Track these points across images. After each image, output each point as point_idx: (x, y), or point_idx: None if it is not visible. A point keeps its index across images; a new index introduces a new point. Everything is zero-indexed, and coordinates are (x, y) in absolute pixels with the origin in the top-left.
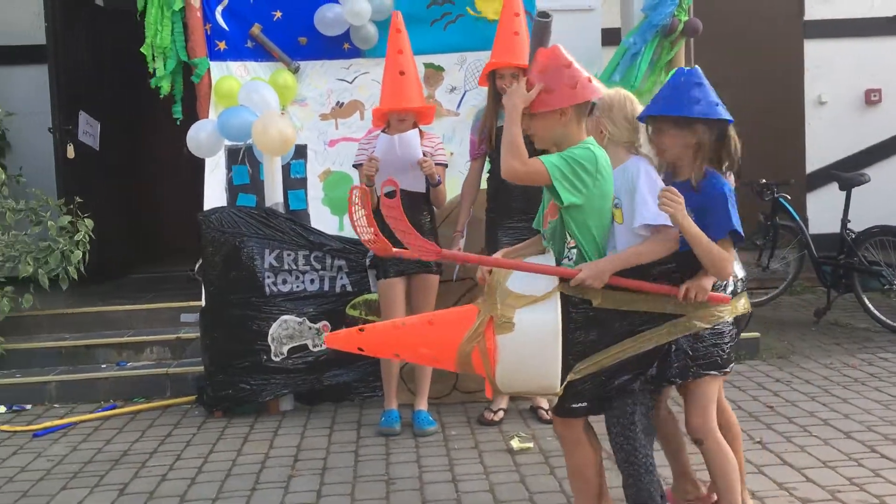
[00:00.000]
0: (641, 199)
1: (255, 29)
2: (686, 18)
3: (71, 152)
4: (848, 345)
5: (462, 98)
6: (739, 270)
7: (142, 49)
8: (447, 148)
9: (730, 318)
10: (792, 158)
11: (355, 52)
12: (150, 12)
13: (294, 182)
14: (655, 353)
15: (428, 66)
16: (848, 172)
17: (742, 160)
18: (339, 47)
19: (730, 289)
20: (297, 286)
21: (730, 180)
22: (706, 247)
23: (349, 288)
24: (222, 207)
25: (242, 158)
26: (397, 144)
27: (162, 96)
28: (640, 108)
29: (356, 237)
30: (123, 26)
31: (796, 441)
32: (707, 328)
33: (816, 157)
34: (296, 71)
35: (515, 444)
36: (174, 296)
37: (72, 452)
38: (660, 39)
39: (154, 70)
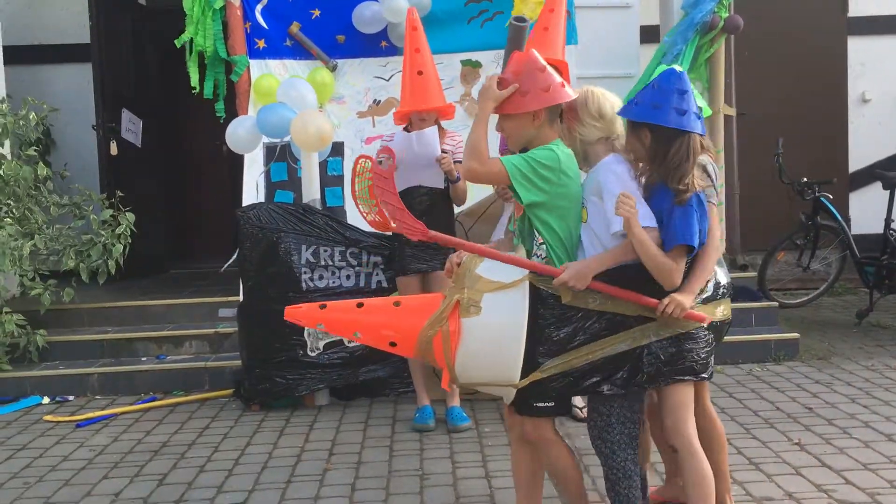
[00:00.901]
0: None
1: (294, 27)
2: (727, 15)
3: (114, 149)
4: (891, 347)
5: None
6: (723, 276)
7: (176, 41)
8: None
9: (705, 324)
10: (834, 157)
11: (392, 50)
12: (191, 10)
13: (331, 179)
14: (627, 355)
15: (465, 62)
16: (891, 171)
17: (784, 158)
18: (377, 45)
19: (705, 295)
20: (334, 282)
21: (707, 190)
22: (651, 254)
23: (385, 284)
24: (260, 203)
25: (280, 155)
26: (415, 141)
27: (205, 97)
28: (611, 102)
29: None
30: (165, 25)
31: (836, 443)
32: (681, 332)
33: (859, 155)
34: (333, 69)
35: None
36: (212, 291)
37: (113, 443)
38: (700, 36)
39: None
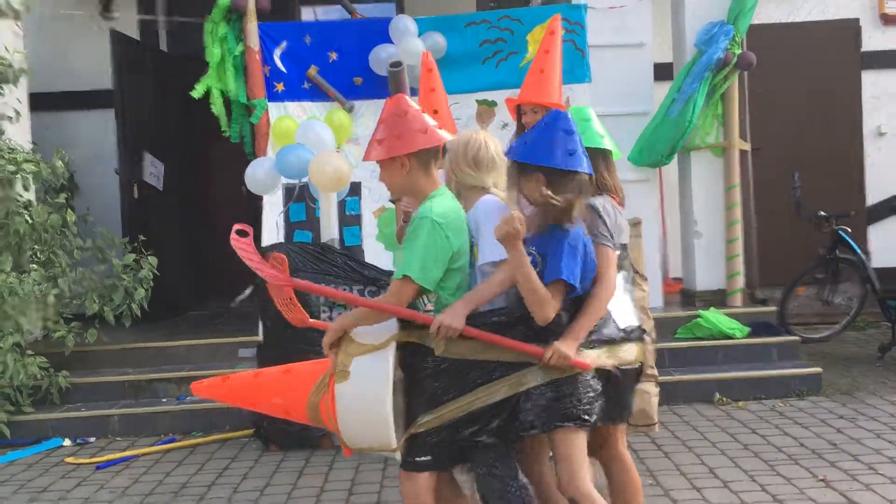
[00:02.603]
0: (486, 237)
1: (312, 70)
2: (740, 52)
3: (136, 192)
4: None
5: (514, 134)
6: (622, 319)
7: (192, 93)
8: None
9: (589, 371)
10: (852, 190)
11: (409, 91)
12: (213, 55)
13: (349, 219)
14: (504, 403)
15: (480, 102)
16: None
17: (801, 192)
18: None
19: (594, 337)
20: None
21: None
22: (531, 277)
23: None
24: (280, 243)
25: (299, 195)
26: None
27: (233, 140)
28: (493, 150)
29: None
30: (186, 70)
31: (862, 479)
32: (560, 377)
33: (877, 188)
34: (350, 110)
35: None
36: (232, 331)
37: (133, 484)
38: (714, 73)
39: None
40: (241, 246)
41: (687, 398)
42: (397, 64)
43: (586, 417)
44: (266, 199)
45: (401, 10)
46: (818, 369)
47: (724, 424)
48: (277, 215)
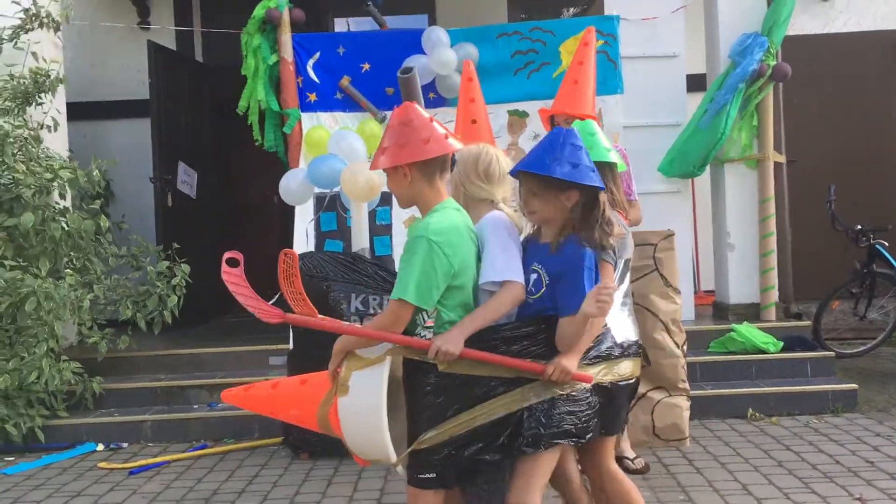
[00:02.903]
0: (489, 256)
1: (345, 81)
2: (774, 63)
3: (170, 201)
4: None
5: None
6: (620, 335)
7: (238, 108)
8: None
9: (588, 386)
10: (888, 204)
11: (440, 101)
12: (249, 67)
13: (380, 228)
14: (507, 420)
15: (512, 112)
16: None
17: (836, 204)
18: (425, 96)
19: (593, 353)
20: None
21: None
22: (580, 333)
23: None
24: (310, 252)
25: (330, 205)
26: None
27: (268, 149)
28: (503, 164)
29: None
30: (220, 80)
31: None
32: (561, 394)
33: None
34: (382, 121)
35: None
36: (263, 339)
37: (165, 490)
38: (748, 85)
39: (254, 125)
40: (231, 280)
41: (719, 413)
42: (407, 70)
43: (579, 435)
44: (297, 209)
45: (433, 21)
46: (854, 385)
47: (757, 440)
48: (308, 223)
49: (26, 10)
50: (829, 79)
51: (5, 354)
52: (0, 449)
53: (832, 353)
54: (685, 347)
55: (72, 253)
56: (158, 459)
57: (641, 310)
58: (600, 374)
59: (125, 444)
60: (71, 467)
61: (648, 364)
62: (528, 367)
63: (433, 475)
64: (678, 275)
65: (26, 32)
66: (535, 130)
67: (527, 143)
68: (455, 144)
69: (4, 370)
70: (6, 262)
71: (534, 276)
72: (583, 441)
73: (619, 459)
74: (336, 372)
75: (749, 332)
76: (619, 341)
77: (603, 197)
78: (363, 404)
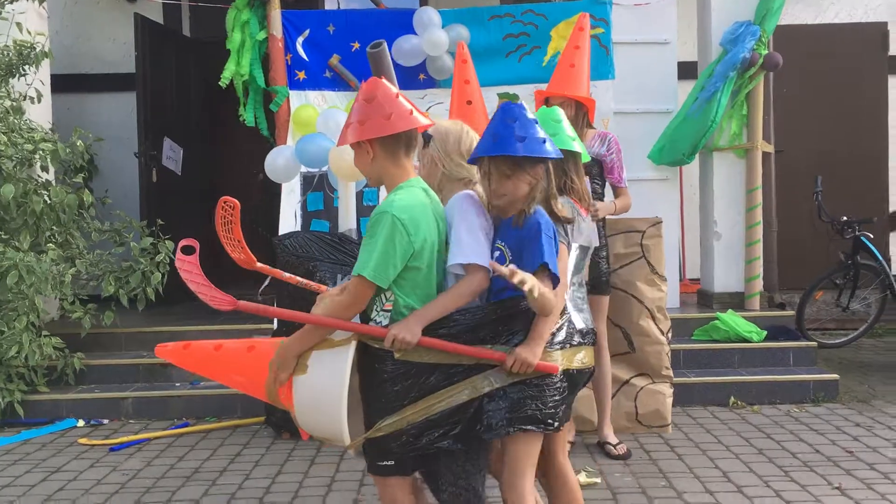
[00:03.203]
0: (456, 238)
1: (334, 59)
2: (766, 52)
3: (155, 176)
4: None
5: None
6: (579, 322)
7: (220, 82)
8: None
9: (556, 374)
10: (874, 196)
11: (430, 83)
12: (234, 41)
13: (366, 209)
14: (466, 406)
15: (502, 95)
16: None
17: (823, 196)
18: (415, 77)
19: (558, 339)
20: None
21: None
22: (548, 301)
23: None
24: (297, 232)
25: (318, 185)
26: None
27: (248, 124)
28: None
29: None
30: (207, 55)
31: (878, 488)
32: (524, 379)
33: None
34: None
35: (583, 478)
36: (247, 318)
37: (146, 467)
38: (739, 74)
39: (241, 101)
40: (185, 268)
41: (702, 400)
42: (377, 45)
43: (551, 421)
44: (284, 188)
45: (424, 2)
46: (835, 376)
47: (738, 428)
48: (295, 204)
49: None
50: (820, 69)
51: None
52: None
53: (815, 343)
54: (670, 335)
55: (53, 227)
56: (140, 437)
57: (627, 296)
58: (566, 360)
59: (106, 421)
60: (51, 443)
61: (633, 351)
62: (489, 355)
63: (391, 462)
64: (665, 262)
65: (11, 3)
66: None
67: None
68: (421, 120)
69: None
70: None
71: (496, 253)
72: (551, 428)
73: (602, 445)
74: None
75: (733, 320)
76: (579, 328)
77: (549, 167)
78: (323, 386)
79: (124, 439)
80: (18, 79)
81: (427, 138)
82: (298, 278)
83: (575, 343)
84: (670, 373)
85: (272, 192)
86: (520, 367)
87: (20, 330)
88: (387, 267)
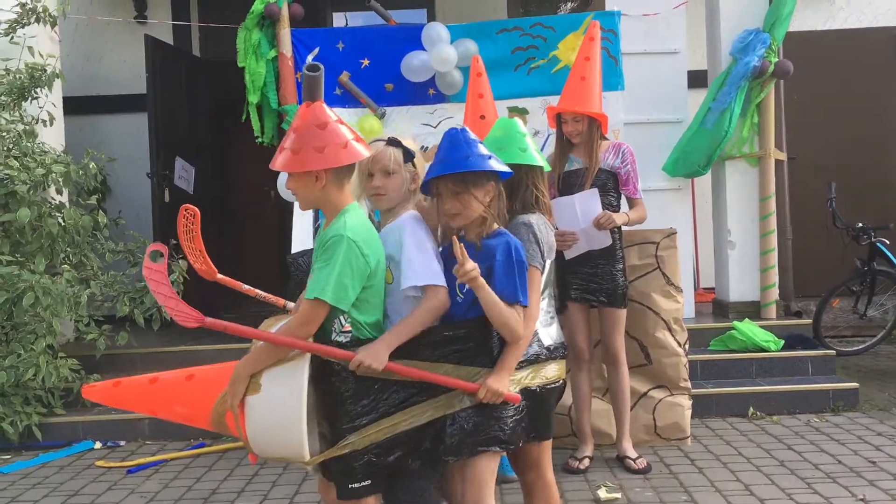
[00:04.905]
0: (407, 259)
1: (344, 76)
2: (776, 60)
3: (167, 196)
4: None
5: (545, 141)
6: (546, 337)
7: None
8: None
9: (516, 389)
10: (889, 202)
11: (440, 98)
12: (250, 70)
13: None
14: (430, 426)
15: (512, 109)
16: None
17: (836, 202)
18: (425, 93)
19: (521, 357)
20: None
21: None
22: (498, 309)
23: None
24: (310, 250)
25: None
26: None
27: (267, 144)
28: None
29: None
30: (217, 75)
31: None
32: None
33: None
34: (382, 116)
35: (603, 493)
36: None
37: (164, 489)
38: (750, 81)
39: (253, 120)
40: (151, 276)
41: (720, 412)
42: (314, 68)
43: (509, 441)
44: (296, 205)
45: (432, 15)
46: (855, 384)
47: (758, 439)
48: (308, 221)
49: (23, 5)
50: (830, 76)
51: (2, 351)
52: None
53: (833, 352)
54: (687, 346)
55: (68, 249)
56: (157, 458)
57: (643, 308)
58: (528, 378)
59: (123, 443)
60: (68, 465)
61: (650, 363)
62: (459, 385)
63: (366, 483)
64: (680, 273)
65: (22, 27)
66: (535, 127)
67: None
68: (364, 151)
69: (1, 367)
70: (2, 258)
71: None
72: (512, 447)
73: (622, 459)
74: (239, 401)
75: (750, 329)
76: (546, 344)
77: (500, 187)
78: (280, 403)
79: (141, 461)
80: (31, 102)
81: (410, 156)
82: (258, 291)
83: (543, 359)
84: (688, 384)
85: (284, 210)
86: (490, 397)
87: (38, 352)
88: (346, 289)
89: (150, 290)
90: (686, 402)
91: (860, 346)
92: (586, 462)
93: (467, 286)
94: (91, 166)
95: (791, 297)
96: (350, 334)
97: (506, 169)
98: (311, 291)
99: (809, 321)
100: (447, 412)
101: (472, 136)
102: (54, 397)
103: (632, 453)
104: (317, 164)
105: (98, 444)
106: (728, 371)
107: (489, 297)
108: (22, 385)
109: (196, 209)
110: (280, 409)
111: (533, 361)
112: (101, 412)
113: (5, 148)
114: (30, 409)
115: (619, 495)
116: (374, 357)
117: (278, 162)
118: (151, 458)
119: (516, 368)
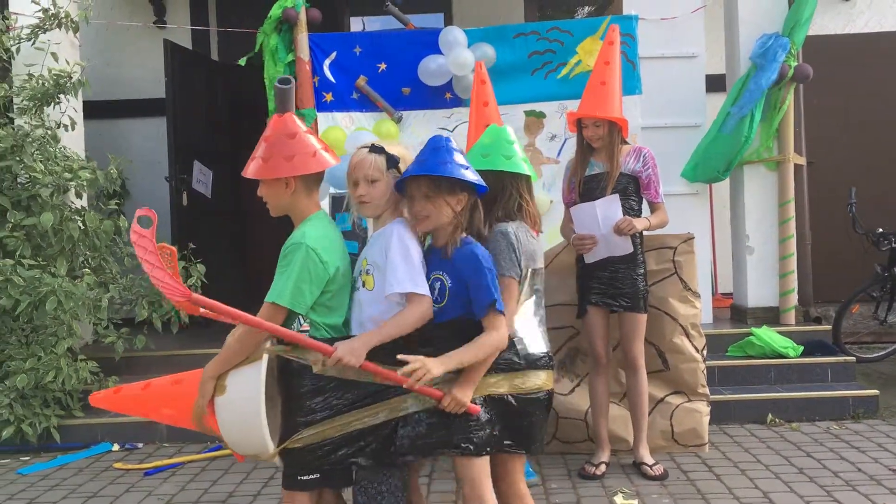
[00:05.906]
0: (392, 266)
1: (361, 80)
2: (796, 64)
3: (185, 200)
4: None
5: (563, 146)
6: (530, 346)
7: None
8: (547, 196)
9: (479, 397)
10: None
11: (456, 102)
12: (266, 67)
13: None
14: (381, 427)
15: (529, 113)
16: None
17: (856, 207)
18: (441, 97)
19: (502, 357)
20: None
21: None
22: (493, 343)
23: None
24: None
25: (346, 206)
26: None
27: None
28: None
29: None
30: (235, 79)
31: None
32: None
33: None
34: (399, 120)
35: (619, 500)
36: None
37: (180, 492)
38: (770, 87)
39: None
40: (140, 243)
41: (738, 418)
42: (286, 81)
43: (466, 445)
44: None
45: (449, 20)
46: (875, 391)
47: (777, 446)
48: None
49: (45, 10)
50: (850, 79)
51: (22, 354)
52: (15, 449)
53: (853, 358)
54: (705, 352)
55: (87, 253)
56: (174, 460)
57: (660, 314)
58: (495, 384)
59: (140, 445)
60: (86, 467)
61: (667, 369)
62: (426, 392)
63: (317, 476)
64: (698, 279)
65: (45, 32)
66: (552, 131)
67: (544, 144)
68: (332, 160)
69: (22, 369)
70: (25, 262)
71: (437, 283)
72: (468, 452)
73: (639, 465)
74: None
75: (768, 335)
76: (529, 352)
77: (478, 201)
78: (241, 402)
79: (158, 463)
80: (53, 107)
81: (394, 162)
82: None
83: (520, 367)
84: (706, 390)
85: None
86: (453, 406)
87: (59, 355)
88: (303, 293)
89: (138, 256)
90: (704, 409)
91: (880, 353)
92: (603, 468)
93: (446, 296)
94: (113, 171)
95: (810, 302)
96: (307, 333)
97: (480, 182)
98: (270, 295)
99: (829, 327)
100: (400, 414)
101: (455, 146)
102: (73, 399)
103: (649, 459)
104: (286, 172)
105: (116, 447)
106: (746, 377)
107: (465, 356)
108: (41, 387)
109: (173, 249)
110: (241, 405)
111: (505, 369)
112: (118, 415)
113: (30, 152)
114: (49, 412)
115: (635, 502)
116: (353, 354)
117: (250, 170)
118: (169, 461)
119: (485, 374)
